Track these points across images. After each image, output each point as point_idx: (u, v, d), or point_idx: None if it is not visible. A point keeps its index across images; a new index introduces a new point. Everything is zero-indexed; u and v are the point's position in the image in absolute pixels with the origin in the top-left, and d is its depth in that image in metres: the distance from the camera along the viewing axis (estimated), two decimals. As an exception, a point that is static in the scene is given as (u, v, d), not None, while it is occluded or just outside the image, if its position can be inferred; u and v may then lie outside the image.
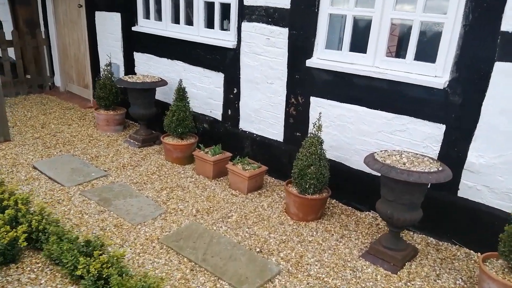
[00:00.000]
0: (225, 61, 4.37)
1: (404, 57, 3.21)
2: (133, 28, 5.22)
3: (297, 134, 3.96)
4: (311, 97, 3.76)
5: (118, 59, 5.60)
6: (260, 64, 4.05)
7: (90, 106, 6.12)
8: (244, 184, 3.80)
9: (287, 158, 4.07)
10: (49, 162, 4.21)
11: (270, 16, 3.85)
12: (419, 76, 3.11)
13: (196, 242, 3.00)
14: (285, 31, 3.78)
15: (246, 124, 4.39)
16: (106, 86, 5.04)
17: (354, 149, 3.59)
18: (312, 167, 3.30)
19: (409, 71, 3.17)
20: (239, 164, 3.94)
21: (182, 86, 4.31)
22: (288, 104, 3.95)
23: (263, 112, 4.19)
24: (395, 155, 2.94)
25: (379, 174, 2.83)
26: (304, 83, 3.79)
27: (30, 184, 3.75)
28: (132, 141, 4.86)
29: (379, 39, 3.27)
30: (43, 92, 6.77)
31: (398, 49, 3.99)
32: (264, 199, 3.77)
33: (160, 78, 4.81)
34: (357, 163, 3.60)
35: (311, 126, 3.83)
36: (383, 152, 3.00)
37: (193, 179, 4.07)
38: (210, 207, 3.56)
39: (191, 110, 4.40)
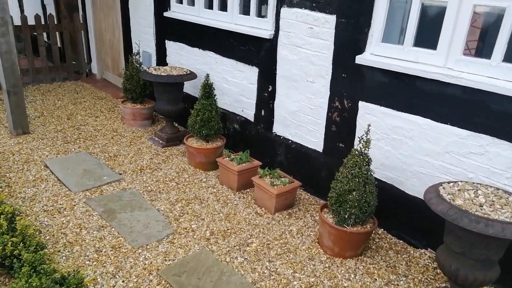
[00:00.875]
0: (260, 54, 3.73)
1: (488, 57, 2.39)
2: (165, 14, 4.72)
3: (340, 145, 3.26)
4: (360, 101, 3.03)
5: (150, 47, 5.15)
6: (300, 59, 3.37)
7: (122, 96, 5.76)
8: (271, 202, 3.18)
9: (326, 172, 3.38)
10: (62, 160, 3.85)
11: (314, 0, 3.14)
12: (508, 83, 2.28)
13: (201, 278, 2.45)
14: (331, 19, 3.05)
15: (281, 128, 3.75)
16: (133, 77, 4.61)
17: (412, 171, 2.82)
18: (354, 193, 2.60)
19: (495, 76, 2.35)
20: (268, 177, 3.32)
21: (209, 81, 3.74)
22: (331, 108, 3.25)
23: (300, 116, 3.52)
24: (468, 190, 2.17)
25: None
26: (352, 84, 3.06)
27: (36, 186, 3.39)
28: (156, 139, 4.40)
29: (455, 31, 2.46)
30: (80, 79, 6.54)
31: (480, 46, 3.12)
32: (294, 221, 3.13)
33: (189, 70, 4.27)
34: (414, 188, 2.84)
35: (358, 136, 3.11)
36: (451, 185, 2.24)
37: (214, 190, 3.52)
38: (228, 229, 2.99)
39: (218, 109, 3.82)
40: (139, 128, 4.75)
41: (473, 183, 2.27)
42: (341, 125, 3.21)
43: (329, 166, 3.35)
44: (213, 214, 3.16)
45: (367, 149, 2.63)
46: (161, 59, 5.05)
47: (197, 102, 3.78)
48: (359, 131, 3.08)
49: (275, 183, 3.23)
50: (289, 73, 3.50)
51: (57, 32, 6.27)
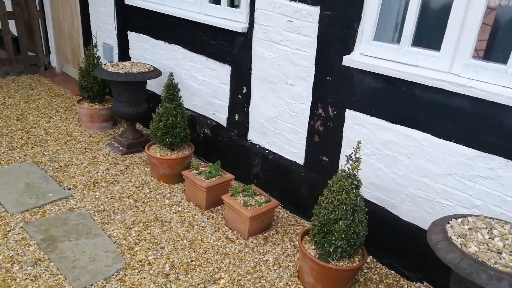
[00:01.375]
0: (233, 50, 3.24)
1: (504, 61, 1.97)
2: (126, 1, 4.15)
3: (324, 158, 2.82)
4: (347, 110, 2.59)
5: (112, 39, 4.58)
6: (278, 57, 2.90)
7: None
8: (244, 226, 2.73)
9: (307, 188, 2.95)
10: (2, 173, 3.30)
11: (294, -12, 2.66)
12: (530, 94, 1.87)
13: (155, 333, 1.99)
14: (315, 11, 2.58)
15: (257, 135, 3.28)
16: (90, 74, 4.04)
17: (407, 194, 2.41)
18: (341, 223, 2.17)
19: (513, 85, 1.94)
20: (240, 195, 2.86)
21: (173, 81, 3.23)
22: (314, 116, 2.80)
23: (279, 123, 3.06)
24: (481, 229, 1.76)
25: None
26: (338, 89, 2.61)
27: (-36, 207, 2.85)
28: (116, 144, 3.88)
29: (463, 29, 2.03)
30: (37, 73, 5.90)
31: (491, 47, 2.71)
32: (270, 248, 2.69)
33: (153, 66, 3.74)
34: (409, 213, 2.43)
35: (344, 150, 2.67)
36: (460, 221, 1.83)
37: (179, 209, 3.04)
38: (192, 260, 2.52)
39: (186, 112, 3.32)
40: (98, 131, 4.21)
41: (485, 217, 1.86)
42: (325, 135, 2.77)
43: (311, 181, 2.91)
44: (175, 241, 2.69)
45: (356, 170, 2.20)
46: (124, 53, 4.49)
47: (159, 105, 3.26)
48: (346, 144, 2.64)
49: (248, 203, 2.77)
50: (266, 73, 3.03)
51: (10, 21, 5.60)
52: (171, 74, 3.24)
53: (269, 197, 2.85)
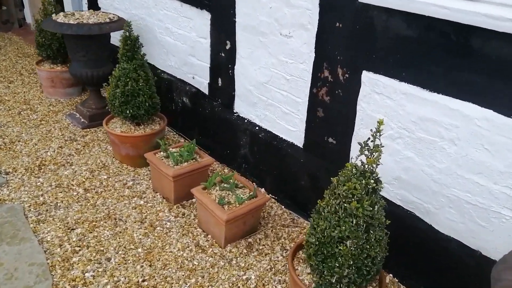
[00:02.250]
0: (212, -9, 2.42)
1: None
2: None
3: (330, 140, 2.05)
4: (364, 72, 1.79)
5: (79, -15, 3.78)
6: (269, -2, 2.08)
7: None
8: (219, 230, 2.03)
9: (307, 178, 2.20)
10: None
11: None
12: None
13: None
14: None
15: (245, 107, 2.52)
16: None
17: (449, 196, 1.64)
18: (348, 243, 1.44)
19: None
20: (217, 187, 2.14)
21: (131, 33, 2.45)
22: (317, 80, 2.01)
23: (272, 90, 2.28)
24: None
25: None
26: (352, 42, 1.80)
27: None
28: (77, 115, 3.17)
29: None
30: (10, 31, 5.17)
31: None
32: (254, 260, 2.00)
33: (118, 16, 2.95)
34: (451, 224, 1.67)
35: (358, 129, 1.89)
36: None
37: (141, 202, 2.35)
38: (144, 280, 1.85)
39: (150, 76, 2.57)
40: (62, 98, 3.50)
41: None
42: (332, 108, 1.99)
43: (312, 169, 2.16)
44: (127, 250, 2.01)
45: (374, 165, 1.44)
46: (93, 2, 3.69)
47: (116, 65, 2.51)
48: (361, 121, 1.86)
49: (226, 200, 2.05)
50: (253, 21, 2.22)
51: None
52: (129, 24, 2.44)
53: (255, 191, 2.11)
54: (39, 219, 2.17)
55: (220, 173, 2.60)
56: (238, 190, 2.15)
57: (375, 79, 1.75)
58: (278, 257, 2.03)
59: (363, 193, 1.43)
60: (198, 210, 2.17)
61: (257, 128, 2.46)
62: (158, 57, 3.10)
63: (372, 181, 1.44)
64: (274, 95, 2.28)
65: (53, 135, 2.94)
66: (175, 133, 3.12)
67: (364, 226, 1.45)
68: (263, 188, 2.51)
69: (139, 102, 2.48)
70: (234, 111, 2.60)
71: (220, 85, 2.63)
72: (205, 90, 2.76)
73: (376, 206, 1.46)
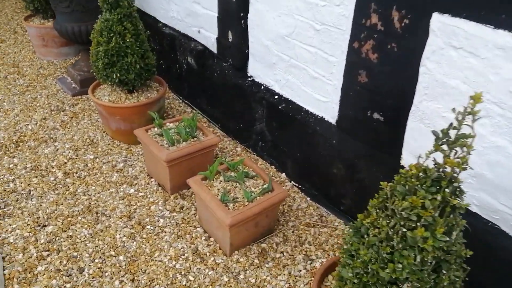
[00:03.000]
0: None
1: None
2: None
3: (375, 116, 1.46)
4: (435, 15, 1.17)
5: None
6: None
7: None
8: (223, 234, 1.54)
9: (342, 167, 1.65)
10: None
11: None
12: None
13: None
14: None
15: (261, 68, 1.94)
16: (31, -27, 2.77)
17: None
18: (405, 287, 0.91)
19: None
20: (221, 178, 1.63)
21: (113, -27, 1.89)
22: (360, 30, 1.40)
23: (296, 46, 1.69)
24: None
25: None
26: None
27: None
28: (69, 80, 2.71)
29: None
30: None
31: None
32: (269, 275, 1.51)
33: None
34: None
35: (419, 103, 1.30)
36: None
37: (131, 191, 1.89)
38: (124, 301, 1.42)
39: (141, 29, 2.02)
40: (55, 59, 3.04)
41: None
42: (381, 70, 1.39)
43: (348, 155, 1.60)
44: (106, 256, 1.57)
45: (458, 169, 0.87)
46: None
47: (99, 17, 1.97)
48: (425, 90, 1.26)
49: (231, 196, 1.54)
50: (270, -51, 1.60)
51: None
52: (108, -40, 1.88)
53: (271, 183, 1.59)
54: (5, 213, 1.75)
55: (228, 157, 2.10)
56: (249, 181, 1.63)
57: (453, 25, 1.13)
58: (300, 271, 1.53)
59: (436, 214, 0.88)
60: (198, 206, 1.68)
61: (276, 97, 1.89)
62: (159, 7, 2.54)
63: (451, 197, 0.88)
64: (299, 52, 1.69)
65: (38, 104, 2.50)
66: (181, 101, 2.61)
67: (433, 263, 0.91)
68: (283, 173, 1.98)
69: (128, 63, 1.96)
70: (248, 74, 2.04)
71: (230, 40, 2.05)
72: (213, 48, 2.19)
73: (454, 233, 0.91)
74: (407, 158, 1.39)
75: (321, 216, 1.78)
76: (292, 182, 1.94)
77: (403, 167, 1.42)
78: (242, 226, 1.52)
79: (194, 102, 2.48)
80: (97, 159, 2.06)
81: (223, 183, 1.60)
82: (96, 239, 1.63)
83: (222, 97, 2.21)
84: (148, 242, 1.63)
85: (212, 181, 1.61)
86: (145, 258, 1.56)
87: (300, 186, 1.91)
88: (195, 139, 1.85)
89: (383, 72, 1.38)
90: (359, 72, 1.45)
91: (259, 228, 1.61)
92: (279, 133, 1.92)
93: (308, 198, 1.87)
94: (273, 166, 2.04)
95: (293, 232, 1.70)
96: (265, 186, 1.59)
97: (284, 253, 1.60)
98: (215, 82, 2.22)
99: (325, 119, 1.69)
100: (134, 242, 1.63)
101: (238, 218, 1.45)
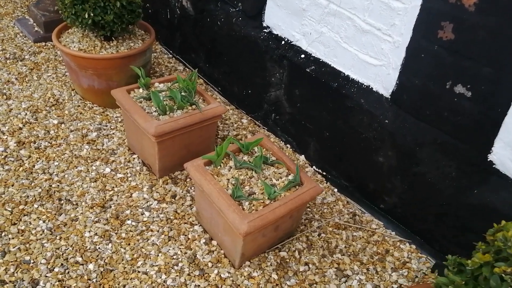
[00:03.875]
0: None
1: None
2: None
3: (458, 90, 1.04)
4: None
5: None
6: None
7: None
8: (233, 241, 1.13)
9: (390, 154, 1.23)
10: None
11: None
12: None
13: None
14: None
15: (283, 16, 1.47)
16: None
17: None
18: None
19: None
20: (229, 164, 1.20)
21: None
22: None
23: (340, -14, 1.23)
24: None
25: None
26: None
27: None
28: (30, 21, 2.16)
29: None
30: None
31: None
32: (293, 296, 1.13)
33: None
34: None
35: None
36: None
37: (106, 170, 1.44)
38: (94, 333, 1.01)
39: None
40: (16, -5, 2.46)
41: None
42: (477, 24, 0.95)
43: (405, 141, 1.19)
44: (70, 264, 1.14)
45: None
46: None
47: None
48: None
49: (245, 192, 1.12)
50: None
51: None
52: None
53: (298, 174, 1.17)
54: None
55: (231, 130, 1.66)
56: (268, 169, 1.21)
57: None
58: (331, 291, 1.16)
59: None
60: (198, 199, 1.26)
61: (302, 56, 1.44)
62: None
63: None
64: (344, -5, 1.23)
65: (-12, 50, 1.97)
66: (170, 56, 2.12)
67: None
68: (302, 156, 1.57)
69: (104, 0, 1.45)
70: (264, 24, 1.56)
71: (242, -22, 1.56)
72: (218, -13, 1.70)
73: None
74: (501, 153, 0.99)
75: (354, 215, 1.39)
76: (314, 167, 1.53)
77: (491, 164, 1.02)
78: (258, 233, 1.11)
79: (188, 58, 2.00)
80: (63, 125, 1.59)
81: (234, 171, 1.17)
82: (58, 238, 1.20)
83: (226, 53, 1.74)
84: (129, 244, 1.21)
85: (219, 167, 1.18)
86: (124, 268, 1.15)
87: (324, 174, 1.50)
88: (194, 107, 1.40)
89: (482, 26, 0.94)
90: (441, 24, 1.01)
91: (278, 232, 1.20)
92: (303, 105, 1.48)
93: (336, 190, 1.47)
94: (288, 146, 1.62)
95: (319, 235, 1.31)
96: (290, 177, 1.18)
97: (310, 265, 1.21)
98: (217, 33, 1.74)
99: (374, 89, 1.26)
100: (110, 244, 1.20)
101: (257, 224, 1.04)
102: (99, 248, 1.19)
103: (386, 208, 1.34)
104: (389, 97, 1.22)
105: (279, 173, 1.20)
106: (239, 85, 1.74)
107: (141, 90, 1.44)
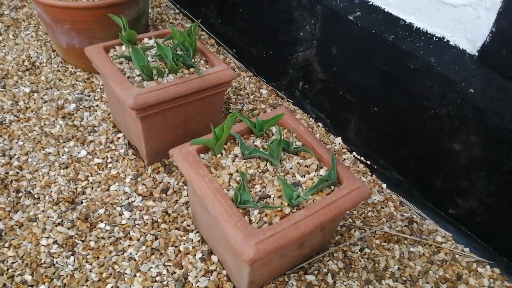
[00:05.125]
0: None
1: None
2: None
3: None
4: None
5: None
6: None
7: None
8: (237, 265, 0.78)
9: (473, 140, 0.83)
10: None
11: None
12: None
13: None
14: None
15: None
16: None
17: None
18: None
19: None
20: (237, 151, 0.83)
21: None
22: None
23: None
24: None
25: None
26: None
27: None
28: (14, -28, 1.83)
29: None
30: None
31: None
32: None
33: None
34: None
35: None
36: None
37: (82, 152, 1.11)
38: None
39: None
40: None
41: None
42: None
43: (500, 121, 0.78)
44: (16, 284, 0.84)
45: None
46: None
47: None
48: None
49: (253, 199, 0.76)
50: None
51: None
52: None
53: (335, 169, 0.79)
54: None
55: (245, 104, 1.30)
56: (290, 159, 0.84)
57: None
58: None
59: None
60: (191, 198, 0.91)
61: (345, 2, 1.03)
62: None
63: None
64: None
65: (-38, 4, 1.66)
66: (177, 11, 1.74)
67: None
68: (338, 138, 1.19)
69: None
70: (292, -42, 1.15)
71: None
72: None
73: None
74: None
75: (410, 222, 1.01)
76: (355, 154, 1.15)
77: None
78: (273, 256, 0.75)
79: (198, 13, 1.61)
80: (35, 95, 1.27)
81: (240, 162, 0.81)
82: (6, 245, 0.89)
83: (242, 4, 1.35)
84: (97, 258, 0.89)
85: (220, 156, 0.82)
86: (89, 293, 0.83)
87: (369, 163, 1.11)
88: (192, 70, 1.03)
89: None
90: None
91: (304, 249, 0.84)
92: (342, 68, 1.08)
93: (384, 186, 1.09)
94: (320, 124, 1.24)
95: (361, 251, 0.94)
96: (322, 172, 0.80)
97: (348, 296, 0.86)
98: (231, -23, 1.34)
99: (452, 43, 0.84)
100: (72, 258, 0.88)
101: (269, 247, 0.67)
102: (57, 262, 0.87)
103: (458, 215, 0.95)
104: (477, 54, 0.80)
105: (306, 166, 0.82)
106: (257, 45, 1.35)
107: (123, 47, 1.08)
